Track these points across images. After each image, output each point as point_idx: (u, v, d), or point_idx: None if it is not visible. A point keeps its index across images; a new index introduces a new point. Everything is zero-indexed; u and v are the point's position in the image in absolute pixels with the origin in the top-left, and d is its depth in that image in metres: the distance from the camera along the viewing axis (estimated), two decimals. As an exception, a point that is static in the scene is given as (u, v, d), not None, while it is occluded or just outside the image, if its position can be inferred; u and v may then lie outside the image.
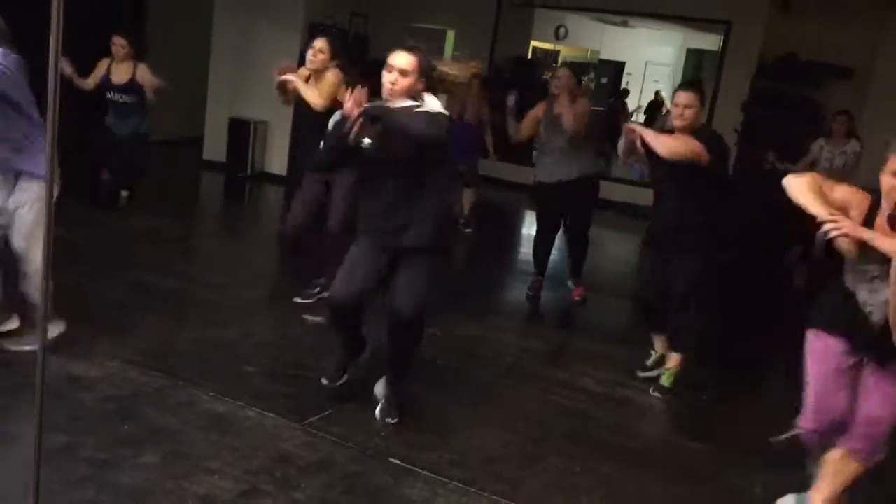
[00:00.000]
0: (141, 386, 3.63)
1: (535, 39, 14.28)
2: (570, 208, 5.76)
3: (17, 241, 3.70)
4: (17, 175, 3.69)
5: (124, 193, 6.78)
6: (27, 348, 3.63)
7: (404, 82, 3.23)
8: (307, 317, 4.75)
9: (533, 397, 4.16)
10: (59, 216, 6.66)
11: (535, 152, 6.06)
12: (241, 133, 9.20)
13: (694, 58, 14.12)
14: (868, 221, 2.73)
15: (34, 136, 3.59)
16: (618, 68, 16.00)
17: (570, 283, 5.93)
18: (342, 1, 9.70)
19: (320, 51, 4.78)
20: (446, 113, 3.29)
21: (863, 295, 2.83)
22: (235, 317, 4.74)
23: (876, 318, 2.80)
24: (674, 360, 4.29)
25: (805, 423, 2.98)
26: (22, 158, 3.64)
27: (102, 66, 6.40)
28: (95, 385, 3.58)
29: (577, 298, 5.85)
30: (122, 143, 6.55)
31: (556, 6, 11.81)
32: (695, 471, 3.56)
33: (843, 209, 2.72)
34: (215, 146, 9.56)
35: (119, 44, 6.34)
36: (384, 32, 10.21)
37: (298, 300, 4.96)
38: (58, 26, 1.63)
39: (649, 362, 4.50)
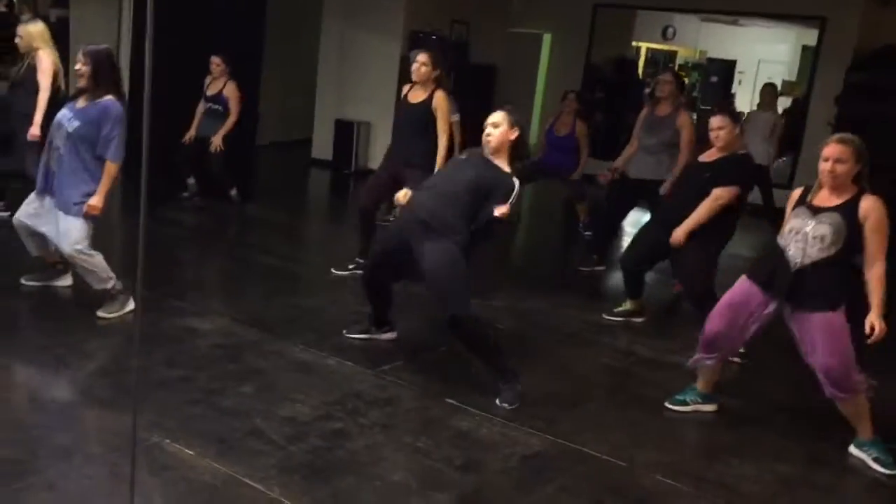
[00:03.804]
0: (243, 338, 4.33)
1: (639, 40, 14.49)
2: (652, 208, 6.01)
3: (66, 247, 4.30)
4: (63, 203, 4.28)
5: (233, 192, 7.57)
6: (115, 315, 4.38)
7: (497, 133, 3.85)
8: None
9: (585, 358, 4.62)
10: (178, 205, 7.69)
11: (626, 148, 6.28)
12: (346, 133, 10.02)
13: (810, 54, 13.91)
14: None
15: (94, 163, 4.26)
16: (728, 67, 15.91)
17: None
18: (442, 8, 10.25)
19: (423, 64, 5.38)
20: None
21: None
22: (325, 288, 5.46)
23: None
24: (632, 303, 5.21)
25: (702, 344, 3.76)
26: (75, 181, 4.25)
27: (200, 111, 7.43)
28: (207, 335, 4.31)
29: (675, 292, 5.93)
30: (207, 145, 7.40)
31: (657, 7, 12.03)
32: (723, 422, 3.93)
33: None
34: (323, 145, 10.41)
35: (215, 62, 7.33)
36: (483, 37, 10.78)
37: (333, 270, 5.62)
38: (149, 45, 2.21)
39: (617, 310, 5.27)
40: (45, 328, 4.31)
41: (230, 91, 7.32)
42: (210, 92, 7.38)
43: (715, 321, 3.69)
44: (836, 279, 3.40)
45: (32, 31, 5.69)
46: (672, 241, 4.55)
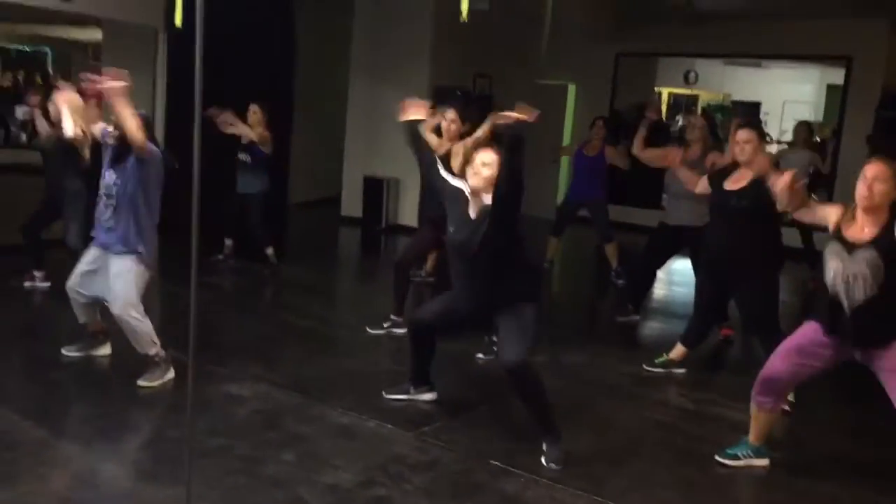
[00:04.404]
0: (282, 403, 4.30)
1: (661, 85, 14.57)
2: (694, 254, 5.97)
3: (117, 309, 4.32)
4: (116, 251, 4.33)
5: (269, 251, 7.60)
6: (157, 383, 4.39)
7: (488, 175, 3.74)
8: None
9: (628, 412, 4.53)
10: (217, 267, 7.75)
11: (664, 196, 6.35)
12: (376, 190, 10.09)
13: (835, 94, 13.87)
14: None
15: (144, 213, 4.33)
16: (753, 109, 15.90)
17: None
18: (466, 63, 10.41)
19: (452, 121, 5.41)
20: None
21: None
22: (361, 348, 5.43)
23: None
24: (677, 350, 5.09)
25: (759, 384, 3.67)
26: (130, 232, 4.30)
27: (244, 127, 7.38)
28: (246, 401, 4.29)
29: (722, 338, 5.92)
30: (246, 202, 7.43)
31: (678, 53, 12.12)
32: (776, 477, 3.81)
33: None
34: (352, 203, 10.49)
35: (253, 110, 7.30)
36: (507, 90, 10.87)
37: (368, 329, 5.62)
38: (199, 92, 2.26)
39: (658, 361, 5.15)
40: (86, 399, 4.32)
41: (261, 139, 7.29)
42: (244, 140, 7.37)
43: (778, 363, 3.61)
44: (893, 311, 3.32)
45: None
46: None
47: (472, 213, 3.79)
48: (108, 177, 4.36)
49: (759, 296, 4.59)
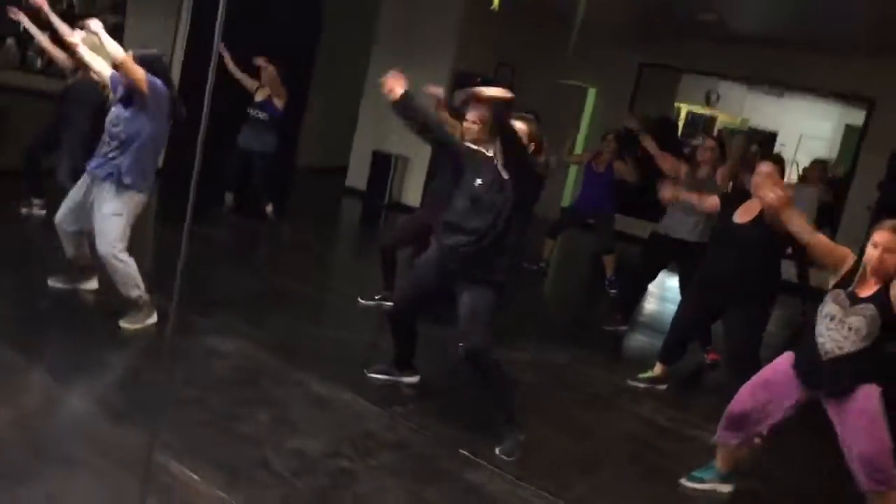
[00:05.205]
0: (263, 363, 4.29)
1: (682, 102, 14.51)
2: (680, 269, 6.03)
3: (103, 247, 4.28)
4: (107, 180, 4.27)
5: (269, 208, 7.59)
6: (138, 326, 4.37)
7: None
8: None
9: (604, 421, 4.53)
10: (214, 220, 7.71)
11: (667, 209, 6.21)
12: (383, 165, 10.04)
13: (852, 134, 13.81)
14: None
15: (144, 150, 4.28)
16: (770, 138, 15.85)
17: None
18: (490, 51, 10.35)
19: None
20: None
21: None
22: (350, 319, 5.42)
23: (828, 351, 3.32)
24: (658, 367, 5.13)
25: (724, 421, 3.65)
26: (124, 165, 4.24)
27: (254, 84, 7.37)
28: (227, 356, 4.28)
29: (709, 362, 5.90)
30: (253, 159, 7.43)
31: (702, 71, 12.06)
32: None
33: None
34: (358, 175, 10.46)
35: (266, 69, 7.30)
36: (528, 85, 10.82)
37: (360, 300, 5.64)
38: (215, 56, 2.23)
39: (642, 376, 5.15)
40: (66, 333, 4.31)
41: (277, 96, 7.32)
42: (258, 98, 7.35)
43: (746, 398, 3.56)
44: (870, 368, 3.30)
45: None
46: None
47: (500, 165, 3.80)
48: (115, 113, 4.32)
49: (745, 325, 4.57)
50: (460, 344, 3.81)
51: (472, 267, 3.80)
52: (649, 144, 6.20)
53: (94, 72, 4.48)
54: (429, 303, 4.15)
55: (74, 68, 5.90)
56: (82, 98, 5.73)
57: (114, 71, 4.29)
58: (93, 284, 4.78)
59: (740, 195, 4.77)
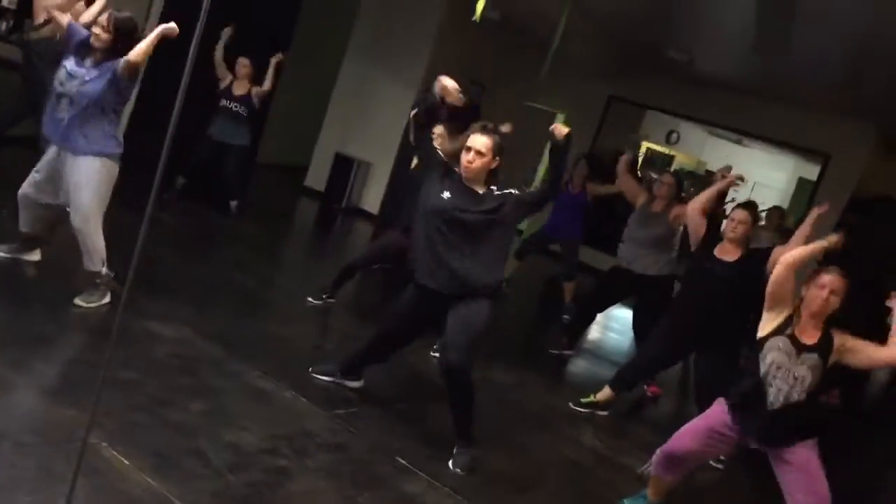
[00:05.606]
0: (203, 352, 4.20)
1: (643, 138, 14.71)
2: (639, 302, 6.08)
3: (76, 220, 4.17)
4: (76, 151, 4.12)
5: (234, 203, 7.50)
6: (93, 305, 4.27)
7: (480, 162, 3.66)
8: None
9: (542, 443, 4.52)
10: (170, 206, 7.53)
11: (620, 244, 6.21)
12: (344, 168, 9.94)
13: (804, 186, 14.11)
14: None
15: (108, 121, 4.14)
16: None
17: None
18: (463, 68, 10.35)
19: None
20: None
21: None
22: (296, 318, 5.34)
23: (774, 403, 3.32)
24: (604, 393, 5.13)
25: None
26: (90, 133, 4.09)
27: (227, 75, 7.28)
28: (167, 342, 4.17)
29: (650, 395, 5.93)
30: (229, 152, 7.33)
31: (666, 110, 12.26)
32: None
33: None
34: (318, 176, 10.33)
35: (243, 64, 7.26)
36: (497, 104, 10.86)
37: (309, 299, 5.59)
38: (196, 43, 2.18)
39: (585, 401, 5.17)
40: (6, 304, 4.16)
41: (256, 94, 7.27)
42: (237, 92, 7.26)
43: (686, 441, 3.52)
44: (812, 418, 3.35)
45: None
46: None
47: (479, 190, 3.72)
48: (77, 71, 4.09)
49: (715, 364, 4.62)
50: (443, 354, 3.73)
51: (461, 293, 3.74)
52: (625, 162, 6.21)
53: (58, 22, 4.36)
54: (421, 333, 4.19)
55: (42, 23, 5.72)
56: (49, 56, 5.52)
57: (73, 21, 4.16)
58: (35, 256, 4.63)
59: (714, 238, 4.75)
